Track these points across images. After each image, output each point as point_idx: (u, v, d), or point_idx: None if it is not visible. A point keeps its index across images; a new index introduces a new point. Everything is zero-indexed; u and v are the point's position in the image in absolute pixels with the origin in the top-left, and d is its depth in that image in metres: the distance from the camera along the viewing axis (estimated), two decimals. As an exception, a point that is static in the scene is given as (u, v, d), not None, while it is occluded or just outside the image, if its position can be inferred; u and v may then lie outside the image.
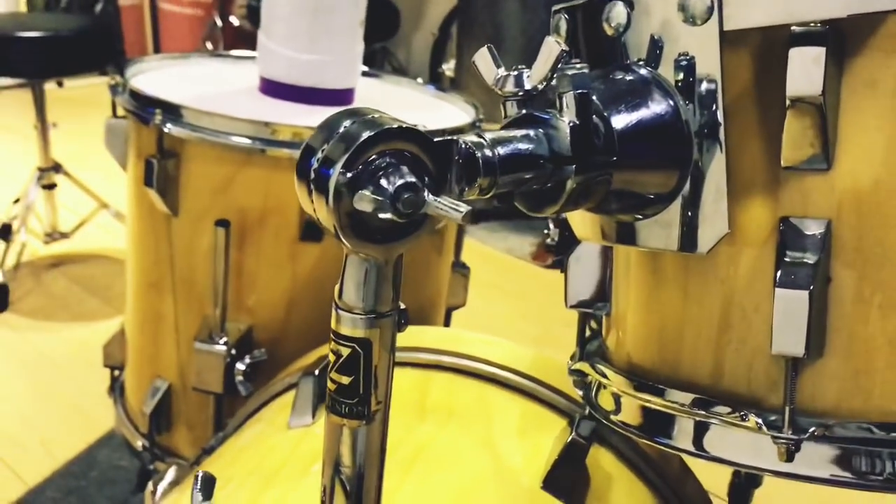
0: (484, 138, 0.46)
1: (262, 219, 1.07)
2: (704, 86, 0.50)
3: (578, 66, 0.49)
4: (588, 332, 0.71)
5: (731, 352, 0.54)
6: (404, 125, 0.43)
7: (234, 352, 1.08)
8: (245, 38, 3.47)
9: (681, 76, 0.51)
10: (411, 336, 0.92)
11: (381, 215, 0.41)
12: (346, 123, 0.42)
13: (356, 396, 0.45)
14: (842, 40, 0.48)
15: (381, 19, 3.60)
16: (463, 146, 0.45)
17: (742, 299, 0.53)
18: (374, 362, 0.45)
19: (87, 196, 2.48)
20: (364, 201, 0.40)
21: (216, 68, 1.41)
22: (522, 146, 0.47)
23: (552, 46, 0.48)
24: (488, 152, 0.46)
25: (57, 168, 2.44)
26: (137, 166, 1.14)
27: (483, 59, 0.51)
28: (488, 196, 0.47)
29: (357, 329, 0.45)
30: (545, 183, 0.48)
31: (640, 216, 0.54)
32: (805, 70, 0.47)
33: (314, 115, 0.99)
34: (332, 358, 0.45)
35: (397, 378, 0.86)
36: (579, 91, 0.48)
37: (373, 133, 0.41)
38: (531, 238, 2.83)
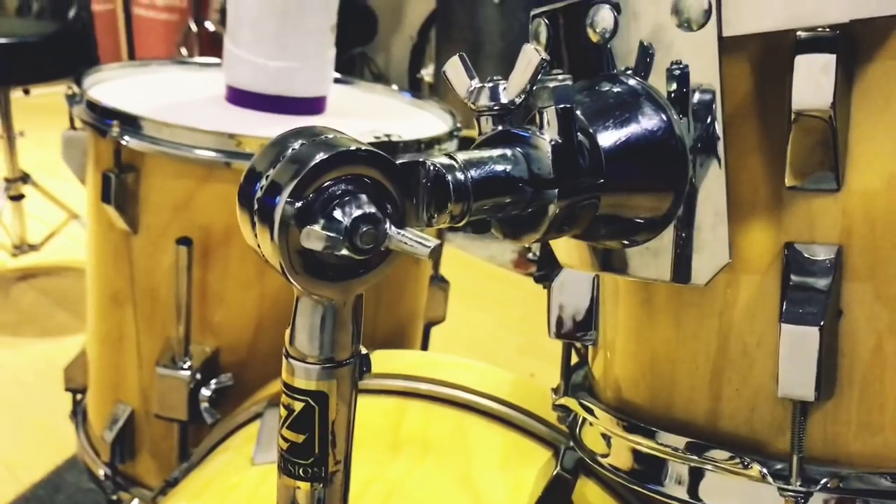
0: (455, 159, 0.41)
1: (228, 236, 1.01)
2: (700, 98, 0.45)
3: (560, 76, 0.44)
4: (574, 360, 0.66)
5: (730, 391, 0.49)
6: (363, 147, 0.37)
7: (198, 376, 1.02)
8: (221, 44, 3.40)
9: (674, 87, 0.46)
10: (384, 361, 0.87)
11: (336, 252, 0.36)
12: (296, 144, 0.37)
13: (311, 457, 0.40)
14: (853, 47, 0.43)
15: (358, 24, 3.56)
16: (431, 169, 0.40)
17: (743, 333, 0.48)
18: (330, 418, 0.39)
19: (57, 207, 2.41)
20: (313, 238, 0.34)
21: (180, 77, 1.34)
22: (498, 167, 0.42)
23: (531, 55, 0.43)
24: (460, 175, 0.41)
25: (25, 178, 2.39)
26: (95, 181, 1.08)
27: (454, 70, 0.46)
28: (461, 224, 0.42)
29: (311, 381, 0.39)
30: (525, 208, 0.43)
31: (629, 242, 0.49)
32: (813, 80, 0.42)
33: (283, 126, 0.93)
34: (283, 413, 0.40)
35: (369, 407, 0.81)
36: (562, 105, 0.43)
37: (327, 156, 0.36)
38: (513, 245, 2.78)
